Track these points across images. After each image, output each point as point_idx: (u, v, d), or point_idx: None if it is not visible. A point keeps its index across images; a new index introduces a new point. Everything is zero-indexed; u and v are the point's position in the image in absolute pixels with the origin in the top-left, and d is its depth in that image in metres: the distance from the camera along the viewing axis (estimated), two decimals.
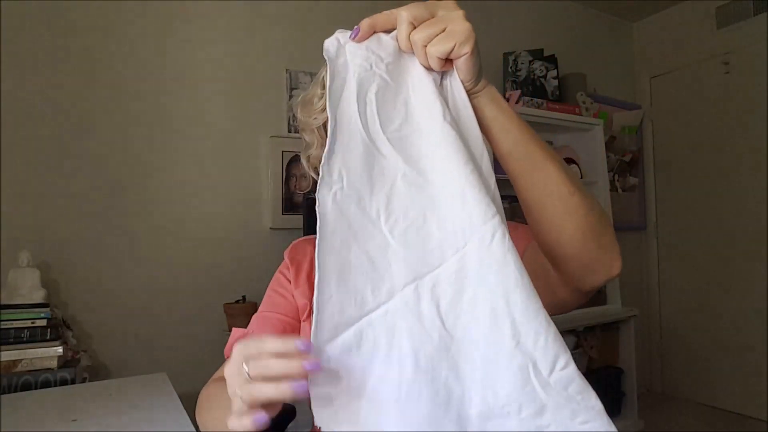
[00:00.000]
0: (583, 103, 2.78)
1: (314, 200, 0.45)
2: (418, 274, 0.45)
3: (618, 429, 0.44)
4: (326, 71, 0.48)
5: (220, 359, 0.77)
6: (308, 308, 0.77)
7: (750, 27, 2.80)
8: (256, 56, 2.04)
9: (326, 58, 0.48)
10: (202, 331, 1.85)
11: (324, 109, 0.70)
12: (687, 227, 3.13)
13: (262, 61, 2.06)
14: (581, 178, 2.68)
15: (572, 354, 0.43)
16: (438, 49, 0.46)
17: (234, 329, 0.82)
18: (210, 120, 1.94)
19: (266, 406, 0.41)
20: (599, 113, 2.84)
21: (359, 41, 0.49)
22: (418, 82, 0.49)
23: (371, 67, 0.48)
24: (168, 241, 1.84)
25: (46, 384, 1.29)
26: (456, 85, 0.50)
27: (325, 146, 0.46)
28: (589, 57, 3.15)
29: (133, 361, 1.73)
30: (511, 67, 2.69)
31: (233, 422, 0.40)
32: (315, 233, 0.45)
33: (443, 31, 0.46)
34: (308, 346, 0.41)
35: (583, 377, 0.44)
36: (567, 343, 0.44)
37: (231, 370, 0.42)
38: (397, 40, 0.49)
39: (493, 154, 0.55)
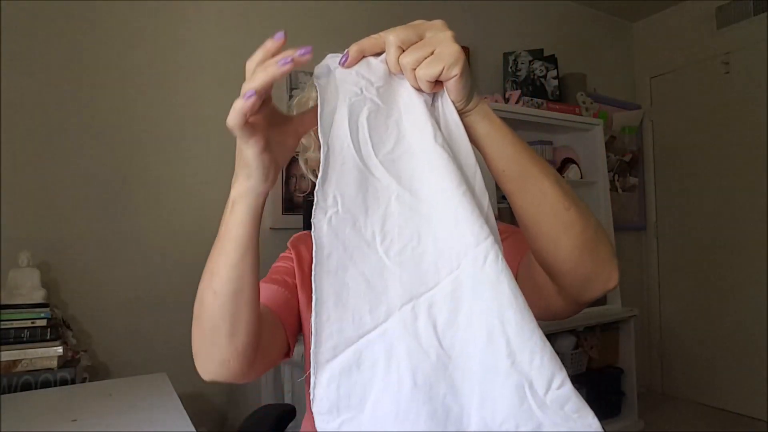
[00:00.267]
0: (583, 103, 2.78)
1: (314, 201, 0.45)
2: (414, 294, 0.45)
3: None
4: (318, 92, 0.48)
5: None
6: (308, 299, 0.78)
7: (750, 27, 2.80)
8: None
9: (316, 85, 0.48)
10: None
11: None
12: (687, 227, 3.14)
13: None
14: (581, 178, 2.69)
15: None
16: (426, 73, 0.46)
17: None
18: (210, 120, 1.94)
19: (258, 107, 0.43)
20: (599, 113, 2.84)
21: (348, 66, 0.49)
22: (410, 103, 0.49)
23: (362, 91, 0.48)
24: (168, 241, 1.84)
25: (46, 384, 1.29)
26: (447, 105, 0.50)
27: (321, 148, 0.46)
28: (589, 57, 3.15)
29: (133, 361, 1.73)
30: (511, 67, 2.69)
31: (229, 117, 0.42)
32: None
33: (432, 53, 0.46)
34: (282, 35, 0.43)
35: (579, 396, 0.44)
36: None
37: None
38: (387, 64, 0.49)
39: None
